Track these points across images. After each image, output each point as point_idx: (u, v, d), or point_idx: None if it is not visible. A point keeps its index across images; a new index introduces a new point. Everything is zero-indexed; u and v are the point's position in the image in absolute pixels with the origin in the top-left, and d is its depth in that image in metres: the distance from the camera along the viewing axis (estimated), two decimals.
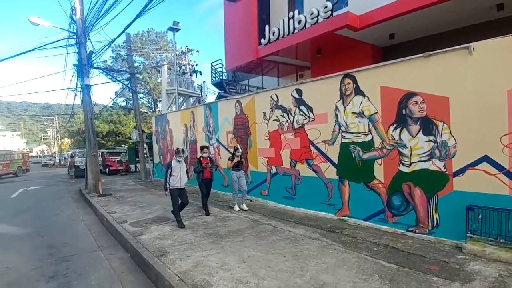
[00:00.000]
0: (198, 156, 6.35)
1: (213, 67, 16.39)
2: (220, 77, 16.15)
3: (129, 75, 14.04)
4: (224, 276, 3.12)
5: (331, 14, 8.09)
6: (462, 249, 3.60)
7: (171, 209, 6.54)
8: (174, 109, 17.36)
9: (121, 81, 16.59)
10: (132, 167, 19.17)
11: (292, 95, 6.22)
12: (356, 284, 2.87)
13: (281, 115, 6.52)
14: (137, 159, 17.03)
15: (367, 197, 4.88)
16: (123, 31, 10.33)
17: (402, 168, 4.43)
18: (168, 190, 5.17)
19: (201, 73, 22.43)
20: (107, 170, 17.85)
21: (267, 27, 10.26)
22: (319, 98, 5.69)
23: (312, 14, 8.45)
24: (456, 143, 3.88)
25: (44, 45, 9.42)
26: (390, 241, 4.04)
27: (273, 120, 6.72)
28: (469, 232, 3.65)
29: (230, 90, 15.36)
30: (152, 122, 13.89)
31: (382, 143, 4.67)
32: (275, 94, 6.67)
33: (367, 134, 4.89)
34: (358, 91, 5.00)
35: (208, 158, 6.08)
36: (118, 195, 9.02)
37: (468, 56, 3.74)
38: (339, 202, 5.35)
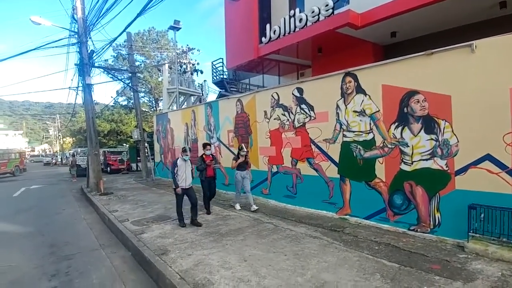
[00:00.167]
0: (200, 154, 6.31)
1: (214, 66, 16.38)
2: (221, 76, 16.15)
3: (130, 74, 14.05)
4: (225, 274, 3.12)
5: (332, 12, 8.05)
6: (464, 248, 3.58)
7: (172, 208, 6.60)
8: (175, 108, 17.38)
9: (122, 80, 16.63)
10: (134, 166, 19.23)
11: (293, 94, 6.20)
12: (357, 283, 2.87)
13: (282, 114, 6.50)
14: (138, 158, 17.08)
15: (368, 196, 4.87)
16: (124, 30, 10.35)
17: (404, 166, 4.41)
18: (178, 187, 5.04)
19: (202, 72, 22.45)
20: (108, 169, 17.92)
21: (268, 25, 10.23)
22: (320, 96, 5.67)
23: (313, 12, 8.41)
24: (458, 141, 3.85)
25: (46, 44, 9.46)
26: (391, 240, 4.03)
27: (274, 119, 6.71)
28: (471, 231, 3.63)
29: (231, 89, 15.34)
30: (153, 121, 13.90)
31: (384, 142, 4.66)
32: (276, 92, 6.66)
33: (368, 133, 4.87)
34: (359, 90, 4.97)
35: (211, 156, 6.01)
36: (120, 194, 9.04)
37: (471, 54, 3.71)
38: (340, 201, 5.34)
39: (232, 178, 8.02)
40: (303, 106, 6.00)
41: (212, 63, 16.45)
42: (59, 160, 38.68)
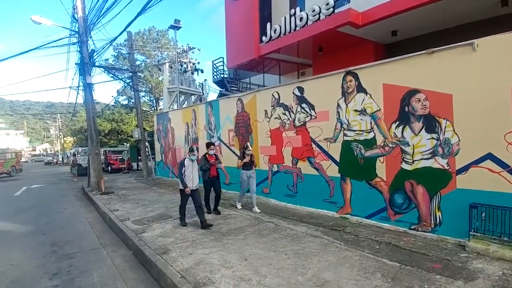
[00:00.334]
0: (202, 154, 6.28)
1: (214, 65, 16.37)
2: (222, 75, 16.13)
3: (130, 74, 14.06)
4: (226, 273, 3.12)
5: (333, 11, 8.03)
6: (465, 247, 3.57)
7: (172, 207, 6.62)
8: (175, 107, 17.37)
9: (123, 79, 16.63)
10: (134, 165, 19.27)
11: (293, 93, 6.20)
12: (358, 282, 2.87)
13: (282, 113, 6.50)
14: (139, 157, 17.13)
15: (369, 195, 4.86)
16: (124, 30, 10.35)
17: (405, 166, 4.40)
18: (187, 187, 4.94)
19: (202, 71, 22.42)
20: (109, 168, 17.95)
21: (268, 24, 10.21)
22: (320, 95, 5.66)
23: (313, 11, 8.39)
24: (459, 140, 3.84)
25: (46, 44, 9.48)
26: (392, 239, 4.02)
27: (275, 118, 6.70)
28: (472, 230, 3.63)
29: (232, 88, 15.33)
30: (154, 120, 13.91)
31: (385, 141, 4.65)
32: (277, 92, 6.65)
33: (369, 132, 4.86)
34: (360, 89, 4.96)
35: (214, 155, 5.88)
36: (121, 193, 9.06)
37: (472, 53, 3.69)
38: (341, 200, 5.33)
39: (233, 177, 8.03)
40: (304, 105, 5.99)
41: (212, 62, 16.44)
42: (60, 159, 38.79)
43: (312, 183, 5.86)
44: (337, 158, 5.38)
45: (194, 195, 5.04)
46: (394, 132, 4.52)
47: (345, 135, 5.23)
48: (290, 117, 6.31)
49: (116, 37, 10.41)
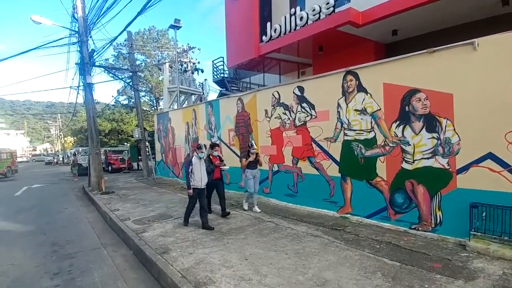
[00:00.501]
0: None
1: (214, 65, 16.36)
2: (222, 75, 16.12)
3: (130, 73, 14.06)
4: (226, 273, 3.13)
5: (333, 11, 8.02)
6: (465, 247, 3.57)
7: (173, 207, 6.62)
8: (175, 107, 17.37)
9: (123, 79, 16.64)
10: (135, 165, 19.28)
11: (294, 93, 6.19)
12: (358, 281, 2.87)
13: (283, 113, 6.49)
14: (139, 157, 17.14)
15: (369, 194, 4.86)
16: (124, 29, 10.35)
17: (405, 165, 4.40)
18: (190, 189, 4.78)
19: (202, 71, 22.42)
20: (109, 168, 17.97)
21: (268, 24, 10.20)
22: (321, 95, 5.66)
23: (314, 10, 8.38)
24: (460, 140, 3.84)
25: (46, 43, 9.48)
26: (392, 239, 4.02)
27: (275, 118, 6.70)
28: (472, 230, 3.63)
29: (232, 87, 15.32)
30: (154, 120, 13.91)
31: (385, 141, 4.64)
32: (277, 91, 6.65)
33: (369, 131, 4.86)
34: (360, 88, 4.96)
35: (218, 157, 5.71)
36: (121, 193, 9.07)
37: (473, 52, 3.69)
38: (341, 200, 5.33)
39: (233, 176, 8.04)
40: (304, 104, 5.98)
41: (212, 62, 16.43)
42: (61, 159, 38.82)
43: (312, 182, 5.86)
44: (338, 158, 5.38)
45: (202, 195, 4.89)
46: (394, 132, 4.52)
47: (345, 134, 5.22)
48: (291, 116, 6.31)
49: (116, 37, 10.41)
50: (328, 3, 8.01)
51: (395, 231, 4.37)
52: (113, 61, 28.23)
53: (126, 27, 10.13)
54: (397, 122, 4.47)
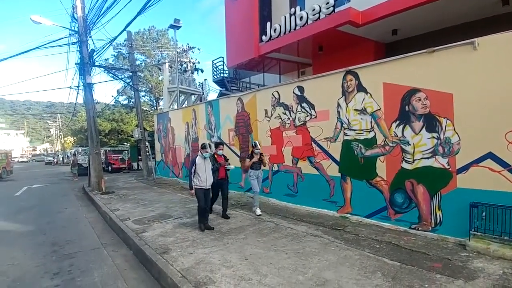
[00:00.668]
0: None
1: (214, 65, 16.35)
2: (222, 75, 16.11)
3: (130, 73, 14.05)
4: (226, 273, 3.13)
5: (333, 10, 8.01)
6: (465, 247, 3.57)
7: (173, 207, 6.62)
8: (175, 107, 17.37)
9: (123, 79, 16.64)
10: (135, 165, 19.28)
11: (293, 92, 6.19)
12: (358, 281, 2.87)
13: (282, 113, 6.49)
14: (139, 157, 17.14)
15: (369, 194, 4.86)
16: (124, 29, 10.34)
17: (405, 165, 4.40)
18: (192, 189, 4.68)
19: (202, 71, 22.43)
20: (109, 168, 17.97)
21: (268, 24, 10.20)
22: (321, 95, 5.66)
23: (313, 10, 8.37)
24: (460, 139, 3.84)
25: (46, 43, 9.48)
26: (392, 239, 4.02)
27: (275, 118, 6.70)
28: (472, 230, 3.63)
29: (232, 87, 15.32)
30: (154, 120, 13.91)
31: (385, 140, 4.64)
32: (277, 91, 6.65)
33: (369, 131, 4.86)
34: (360, 88, 4.96)
35: (222, 156, 5.60)
36: (121, 193, 9.07)
37: (473, 52, 3.69)
38: (341, 200, 5.33)
39: (232, 176, 8.04)
40: (304, 104, 5.98)
41: (212, 62, 16.42)
42: (61, 159, 38.82)
43: (312, 182, 5.86)
44: (338, 158, 5.38)
45: (207, 195, 4.79)
46: (394, 132, 4.51)
47: (345, 134, 5.22)
48: (290, 116, 6.31)
49: (116, 37, 10.41)
50: (328, 3, 8.01)
51: (395, 231, 4.37)
52: (113, 61, 28.23)
53: (126, 27, 10.13)
54: (397, 122, 4.47)
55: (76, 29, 9.58)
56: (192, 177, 4.67)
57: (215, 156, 5.46)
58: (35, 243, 4.93)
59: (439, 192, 4.05)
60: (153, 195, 8.48)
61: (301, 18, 8.78)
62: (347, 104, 5.16)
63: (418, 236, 4.11)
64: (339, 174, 5.36)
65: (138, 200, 7.78)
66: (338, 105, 5.30)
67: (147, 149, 13.25)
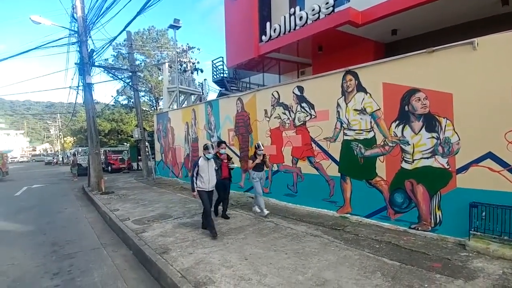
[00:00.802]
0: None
1: (214, 65, 16.35)
2: (221, 75, 16.11)
3: (130, 73, 14.05)
4: (226, 273, 3.13)
5: (333, 10, 8.02)
6: (465, 247, 3.58)
7: (172, 207, 6.62)
8: (175, 107, 17.37)
9: (123, 79, 16.63)
10: (134, 165, 19.27)
11: (293, 92, 6.19)
12: (358, 281, 2.87)
13: (282, 113, 6.49)
14: (139, 157, 17.14)
15: (369, 194, 4.86)
16: (123, 29, 10.33)
17: (405, 165, 4.40)
18: (194, 191, 4.57)
19: (202, 71, 22.41)
20: (109, 168, 17.97)
21: (268, 24, 10.20)
22: (320, 95, 5.66)
23: (313, 10, 8.37)
24: (459, 139, 3.84)
25: (46, 43, 9.47)
26: (392, 238, 4.02)
27: (275, 118, 6.70)
28: (472, 229, 3.63)
29: (231, 87, 15.32)
30: (154, 120, 13.91)
31: (384, 140, 4.64)
32: (276, 91, 6.65)
33: (369, 131, 4.86)
34: (360, 88, 4.96)
35: (226, 155, 5.52)
36: (121, 193, 9.06)
37: (472, 52, 3.69)
38: (341, 200, 5.33)
39: (232, 176, 8.01)
40: (304, 104, 5.98)
41: (212, 62, 16.42)
42: (60, 159, 38.80)
43: (312, 182, 5.86)
44: (337, 158, 5.38)
45: (210, 197, 4.67)
46: (394, 131, 4.52)
47: (345, 134, 5.23)
48: (290, 116, 6.31)
49: (116, 37, 10.41)
50: (327, 3, 8.01)
51: (394, 231, 4.37)
52: (112, 61, 28.21)
53: (126, 27, 10.13)
54: (397, 122, 4.47)
55: (76, 29, 9.58)
56: (195, 180, 4.56)
57: (218, 154, 5.38)
58: (35, 243, 4.93)
59: (438, 192, 4.05)
60: (153, 195, 8.48)
61: (300, 18, 8.78)
62: (346, 104, 5.16)
63: (417, 236, 4.11)
64: (339, 174, 5.37)
65: (137, 200, 7.77)
66: (338, 105, 5.30)
67: (146, 149, 13.25)
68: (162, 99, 24.27)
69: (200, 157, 4.67)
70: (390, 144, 4.57)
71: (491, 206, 3.51)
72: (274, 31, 9.70)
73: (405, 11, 6.93)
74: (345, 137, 5.22)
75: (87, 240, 4.99)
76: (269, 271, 3.15)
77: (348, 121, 5.15)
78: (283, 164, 6.54)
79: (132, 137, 18.26)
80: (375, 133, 4.78)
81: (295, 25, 8.99)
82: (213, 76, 16.53)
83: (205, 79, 21.26)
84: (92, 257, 4.17)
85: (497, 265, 3.10)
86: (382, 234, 4.25)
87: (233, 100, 8.01)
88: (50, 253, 4.37)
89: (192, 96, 20.12)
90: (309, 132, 5.90)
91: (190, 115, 10.27)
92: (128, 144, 24.68)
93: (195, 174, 4.55)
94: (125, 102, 30.01)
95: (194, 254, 3.70)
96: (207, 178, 4.56)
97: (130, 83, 14.17)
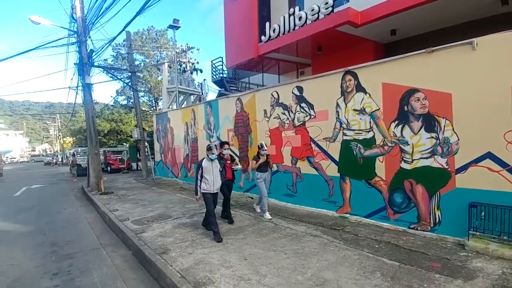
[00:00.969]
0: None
1: (213, 65, 16.36)
2: (221, 75, 16.12)
3: (129, 74, 14.04)
4: (225, 273, 3.12)
5: (332, 10, 8.03)
6: (464, 246, 3.58)
7: (172, 207, 6.62)
8: (175, 107, 17.35)
9: (122, 79, 16.62)
10: (134, 165, 19.26)
11: (292, 92, 6.19)
12: (357, 281, 2.87)
13: (282, 113, 6.50)
14: (138, 157, 17.11)
15: (368, 194, 4.87)
16: (123, 29, 10.33)
17: (404, 165, 4.40)
18: (199, 194, 4.42)
19: (201, 71, 22.35)
20: (109, 168, 17.96)
21: (267, 24, 10.20)
22: (320, 95, 5.66)
23: (312, 10, 8.38)
24: (458, 139, 3.85)
25: (45, 44, 9.47)
26: (391, 238, 4.03)
27: (274, 118, 6.70)
28: (471, 229, 3.63)
29: (231, 87, 15.32)
30: (153, 120, 13.90)
31: (384, 140, 4.65)
32: (276, 91, 6.65)
33: (368, 131, 4.86)
34: (359, 88, 4.96)
35: (229, 155, 5.40)
36: (120, 193, 9.06)
37: (472, 52, 3.69)
38: (340, 200, 5.34)
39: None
40: (303, 104, 5.99)
41: (211, 62, 16.43)
42: (60, 159, 38.76)
43: (311, 182, 5.86)
44: (337, 158, 5.38)
45: (215, 200, 4.54)
46: (393, 132, 4.52)
47: (344, 134, 5.23)
48: (290, 116, 6.31)
49: (115, 37, 10.43)
50: (327, 3, 8.02)
51: (394, 231, 4.37)
52: (112, 61, 28.20)
53: (125, 27, 10.12)
54: (396, 122, 4.48)
55: (75, 30, 9.57)
56: (199, 182, 4.40)
57: (221, 155, 5.25)
58: (34, 243, 4.92)
59: (438, 192, 4.06)
60: (152, 195, 8.47)
61: (300, 18, 8.79)
62: (346, 104, 5.17)
63: (417, 236, 4.11)
64: (338, 174, 5.37)
65: (137, 200, 7.77)
66: (337, 105, 5.31)
67: (146, 149, 13.24)
68: (161, 99, 24.25)
69: (203, 158, 4.56)
70: (390, 144, 4.57)
71: (490, 206, 3.51)
72: (274, 31, 9.71)
73: (405, 11, 6.94)
74: (345, 137, 5.22)
75: (87, 240, 4.98)
76: (269, 271, 3.15)
77: (348, 121, 5.15)
78: (283, 164, 6.54)
79: (132, 137, 18.25)
80: (374, 133, 4.78)
81: (295, 25, 9.00)
82: (212, 76, 16.54)
83: (204, 79, 21.20)
84: (92, 257, 4.16)
85: (496, 265, 3.10)
86: (382, 234, 4.25)
87: (233, 100, 8.01)
88: (49, 253, 4.36)
89: (192, 96, 20.09)
90: (308, 132, 5.90)
91: (189, 115, 10.27)
92: (127, 144, 24.67)
93: (199, 177, 4.39)
94: (125, 102, 30.03)
95: (194, 254, 3.70)
96: (212, 180, 4.41)
97: (130, 83, 14.17)
